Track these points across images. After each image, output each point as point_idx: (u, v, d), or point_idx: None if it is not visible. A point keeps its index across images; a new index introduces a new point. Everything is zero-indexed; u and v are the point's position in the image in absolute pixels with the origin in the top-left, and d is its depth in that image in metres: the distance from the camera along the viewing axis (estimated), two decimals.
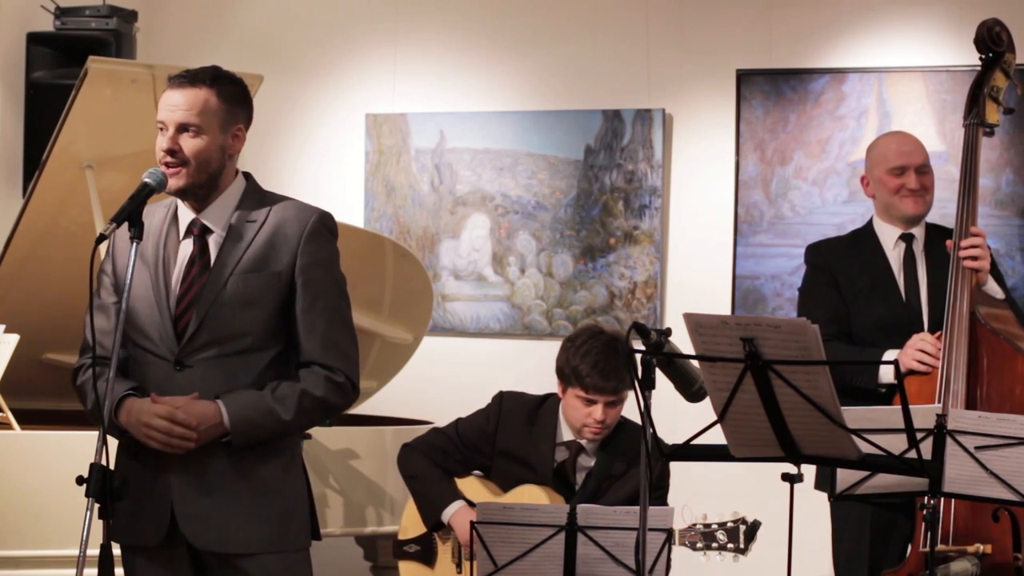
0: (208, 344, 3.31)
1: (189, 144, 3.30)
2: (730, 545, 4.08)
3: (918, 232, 4.46)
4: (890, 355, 4.22)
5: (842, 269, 4.44)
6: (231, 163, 3.39)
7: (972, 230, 4.26)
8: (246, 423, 3.27)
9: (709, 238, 6.48)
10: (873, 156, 4.49)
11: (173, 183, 3.31)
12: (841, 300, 4.41)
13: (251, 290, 3.31)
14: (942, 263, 4.36)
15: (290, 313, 3.35)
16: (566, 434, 4.34)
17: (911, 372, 4.18)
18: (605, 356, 4.20)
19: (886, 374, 4.21)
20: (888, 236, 4.45)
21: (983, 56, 4.40)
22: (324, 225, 3.39)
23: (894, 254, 4.43)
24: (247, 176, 3.46)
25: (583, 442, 4.32)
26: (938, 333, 4.21)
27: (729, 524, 4.09)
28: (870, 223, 4.52)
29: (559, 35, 6.72)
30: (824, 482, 4.22)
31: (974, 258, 4.23)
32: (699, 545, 4.11)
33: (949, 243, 4.27)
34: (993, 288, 4.30)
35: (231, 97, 3.36)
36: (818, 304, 4.42)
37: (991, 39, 4.37)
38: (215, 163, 3.33)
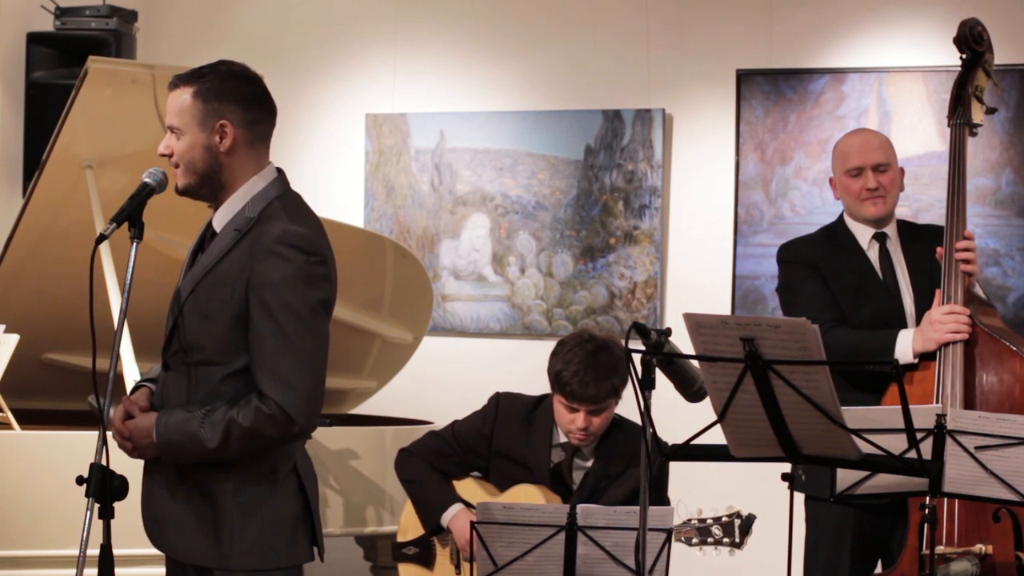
0: (178, 351, 3.28)
1: (175, 146, 3.27)
2: (725, 540, 4.06)
3: (890, 231, 4.44)
4: (905, 335, 4.21)
5: (826, 265, 4.41)
6: (232, 160, 3.27)
7: (965, 233, 4.25)
8: (171, 445, 3.20)
9: (709, 238, 6.49)
10: (834, 157, 4.48)
11: (175, 183, 3.31)
12: (831, 292, 4.39)
13: (209, 303, 3.22)
14: (920, 261, 4.36)
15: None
16: (562, 435, 4.33)
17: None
18: (586, 365, 4.18)
19: (904, 354, 4.18)
20: (862, 235, 4.43)
21: (964, 55, 4.39)
22: (283, 243, 3.17)
23: (871, 253, 4.42)
24: (279, 176, 3.35)
25: (575, 444, 4.31)
26: (951, 305, 4.18)
27: (724, 518, 4.06)
28: (842, 220, 4.48)
29: (559, 35, 6.72)
30: (814, 485, 4.16)
31: (967, 261, 4.23)
32: (694, 541, 4.08)
33: (940, 251, 4.27)
34: (979, 290, 4.30)
35: (208, 93, 3.25)
36: (811, 297, 4.38)
37: (973, 38, 4.36)
38: (201, 163, 3.25)
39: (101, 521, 3.07)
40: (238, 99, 3.29)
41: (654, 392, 3.18)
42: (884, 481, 3.66)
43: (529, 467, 4.35)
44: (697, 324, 3.06)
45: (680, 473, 4.34)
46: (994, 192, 6.06)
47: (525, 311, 6.72)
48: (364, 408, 6.12)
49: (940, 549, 3.98)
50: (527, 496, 4.28)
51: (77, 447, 4.58)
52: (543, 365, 4.33)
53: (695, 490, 4.27)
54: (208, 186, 3.29)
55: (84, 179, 5.05)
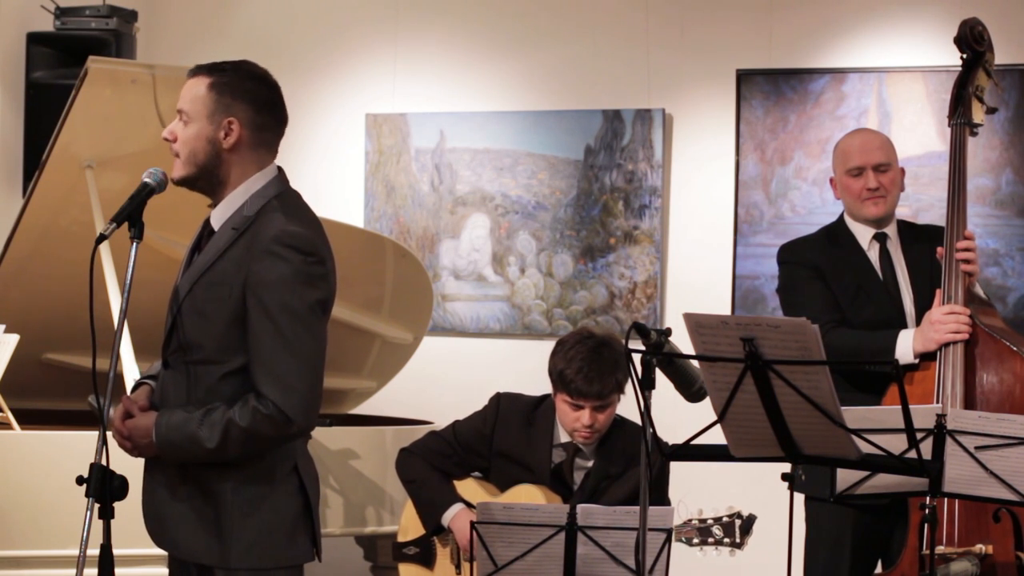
0: (177, 349, 3.28)
1: (180, 132, 3.26)
2: (726, 540, 4.05)
3: (891, 231, 4.44)
4: (905, 336, 4.21)
5: (827, 266, 4.41)
6: (232, 158, 3.26)
7: (965, 233, 4.26)
8: (170, 445, 3.20)
9: (709, 238, 6.49)
10: (835, 157, 4.48)
11: (173, 174, 3.28)
12: (831, 293, 4.39)
13: (206, 302, 3.22)
14: (920, 261, 4.37)
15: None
16: (563, 435, 4.33)
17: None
18: (590, 361, 4.18)
19: (905, 354, 4.18)
20: (862, 236, 4.43)
21: (964, 55, 4.39)
22: (280, 243, 3.16)
23: (871, 254, 4.42)
24: (278, 175, 3.33)
25: (579, 443, 4.31)
26: (951, 305, 4.18)
27: (725, 519, 4.06)
28: (842, 220, 4.48)
29: (559, 35, 6.73)
30: (814, 485, 4.15)
31: (968, 261, 4.23)
32: (695, 541, 4.08)
33: (940, 251, 4.27)
34: (979, 290, 4.30)
35: (224, 87, 3.25)
36: (811, 298, 4.38)
37: (974, 38, 4.37)
38: (202, 155, 3.24)
39: (101, 521, 3.08)
40: (251, 100, 3.29)
41: (654, 392, 3.18)
42: (884, 481, 3.65)
43: (530, 467, 4.35)
44: (697, 324, 3.06)
45: (680, 473, 4.34)
46: (994, 192, 6.06)
47: (525, 311, 6.72)
48: (364, 408, 6.12)
49: (940, 549, 3.98)
50: (528, 496, 4.28)
51: (77, 447, 4.58)
52: (543, 365, 4.33)
53: (695, 490, 4.27)
54: (205, 179, 3.28)
55: (84, 179, 5.05)
